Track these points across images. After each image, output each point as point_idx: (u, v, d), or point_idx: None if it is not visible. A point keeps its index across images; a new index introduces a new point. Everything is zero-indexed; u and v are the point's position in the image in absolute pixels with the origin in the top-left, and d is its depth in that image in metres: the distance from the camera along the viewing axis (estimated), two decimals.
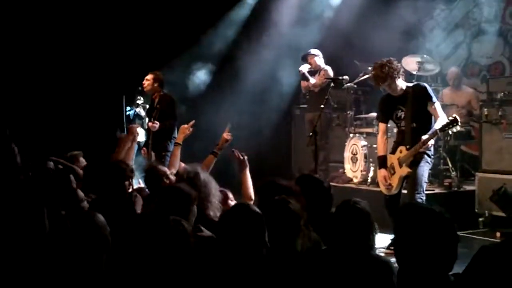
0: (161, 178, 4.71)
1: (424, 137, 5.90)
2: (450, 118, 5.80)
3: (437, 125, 5.91)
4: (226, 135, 5.50)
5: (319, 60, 9.09)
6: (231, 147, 5.51)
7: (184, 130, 5.83)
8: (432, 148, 6.20)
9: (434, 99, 6.08)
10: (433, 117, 6.06)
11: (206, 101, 10.41)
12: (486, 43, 9.84)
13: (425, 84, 6.29)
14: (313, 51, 9.14)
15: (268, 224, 3.08)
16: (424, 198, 6.04)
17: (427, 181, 6.26)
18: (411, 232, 2.56)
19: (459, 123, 5.79)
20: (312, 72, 9.22)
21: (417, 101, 6.06)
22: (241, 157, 5.04)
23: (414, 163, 6.03)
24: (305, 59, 9.18)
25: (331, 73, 8.88)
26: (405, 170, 6.07)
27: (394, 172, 6.19)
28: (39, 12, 9.67)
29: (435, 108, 6.03)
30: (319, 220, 3.77)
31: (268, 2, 10.51)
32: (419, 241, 2.52)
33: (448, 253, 2.53)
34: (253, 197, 4.77)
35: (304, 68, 9.09)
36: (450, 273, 2.57)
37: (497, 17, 9.67)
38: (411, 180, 6.05)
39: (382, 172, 6.26)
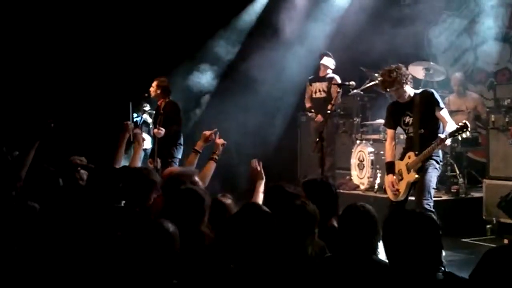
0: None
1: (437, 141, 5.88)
2: (460, 124, 5.76)
3: (447, 130, 5.88)
4: (219, 140, 5.51)
5: (329, 62, 9.26)
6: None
7: (206, 138, 5.58)
8: (440, 154, 6.17)
9: (442, 104, 6.06)
10: (441, 123, 6.05)
11: (212, 107, 10.43)
12: (493, 50, 9.81)
13: (432, 90, 6.26)
14: (330, 54, 9.36)
15: (283, 225, 3.12)
16: (432, 204, 5.99)
17: (435, 187, 6.22)
18: (397, 233, 2.62)
19: (469, 129, 5.76)
20: (315, 79, 9.32)
21: (424, 107, 6.05)
22: (258, 168, 5.04)
23: (422, 169, 6.02)
24: (321, 57, 9.42)
25: (339, 80, 8.94)
26: (413, 176, 6.05)
27: (402, 178, 6.16)
28: (45, 19, 9.71)
29: (442, 114, 6.02)
30: (325, 225, 3.78)
31: (274, 9, 10.53)
32: (404, 241, 2.58)
33: (433, 251, 2.57)
34: None
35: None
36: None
37: (503, 23, 9.65)
38: (419, 186, 6.02)
39: (390, 178, 6.23)
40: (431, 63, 8.83)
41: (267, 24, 10.57)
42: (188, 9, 10.45)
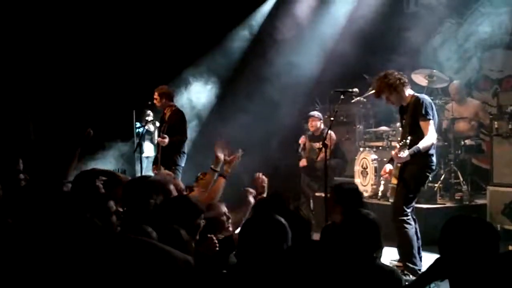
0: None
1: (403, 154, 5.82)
2: None
3: (420, 143, 5.84)
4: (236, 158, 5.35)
5: (315, 122, 9.26)
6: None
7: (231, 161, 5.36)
8: (434, 160, 6.10)
9: (427, 116, 5.90)
10: None
11: (214, 116, 10.42)
12: (497, 57, 9.80)
13: (423, 99, 6.02)
14: (316, 114, 9.31)
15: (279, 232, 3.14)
16: (408, 211, 5.92)
17: (412, 194, 6.04)
18: (455, 239, 2.66)
19: None
20: (312, 138, 9.34)
21: (413, 114, 6.01)
22: (262, 183, 5.20)
23: (401, 177, 6.01)
24: (306, 119, 9.39)
25: (334, 135, 8.96)
26: (394, 182, 6.09)
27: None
28: (50, 28, 9.75)
29: (424, 125, 5.91)
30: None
31: (276, 19, 10.57)
32: (462, 246, 2.61)
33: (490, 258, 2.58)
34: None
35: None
36: None
37: (507, 30, 9.64)
38: (398, 192, 6.01)
39: (388, 165, 6.24)
40: (434, 70, 8.81)
41: (269, 31, 10.60)
42: (191, 18, 10.48)
